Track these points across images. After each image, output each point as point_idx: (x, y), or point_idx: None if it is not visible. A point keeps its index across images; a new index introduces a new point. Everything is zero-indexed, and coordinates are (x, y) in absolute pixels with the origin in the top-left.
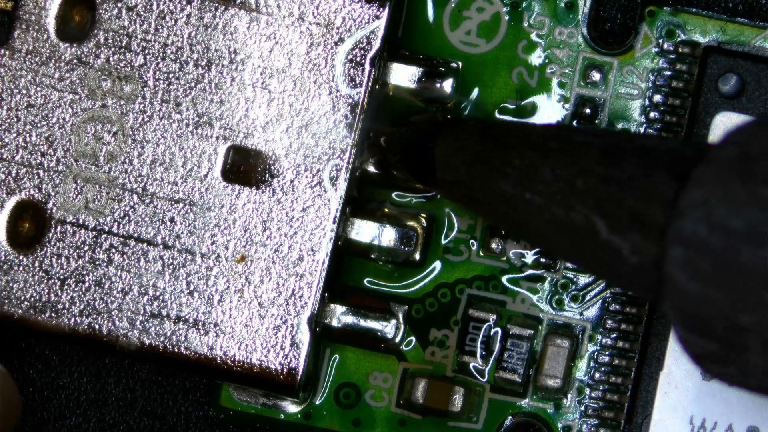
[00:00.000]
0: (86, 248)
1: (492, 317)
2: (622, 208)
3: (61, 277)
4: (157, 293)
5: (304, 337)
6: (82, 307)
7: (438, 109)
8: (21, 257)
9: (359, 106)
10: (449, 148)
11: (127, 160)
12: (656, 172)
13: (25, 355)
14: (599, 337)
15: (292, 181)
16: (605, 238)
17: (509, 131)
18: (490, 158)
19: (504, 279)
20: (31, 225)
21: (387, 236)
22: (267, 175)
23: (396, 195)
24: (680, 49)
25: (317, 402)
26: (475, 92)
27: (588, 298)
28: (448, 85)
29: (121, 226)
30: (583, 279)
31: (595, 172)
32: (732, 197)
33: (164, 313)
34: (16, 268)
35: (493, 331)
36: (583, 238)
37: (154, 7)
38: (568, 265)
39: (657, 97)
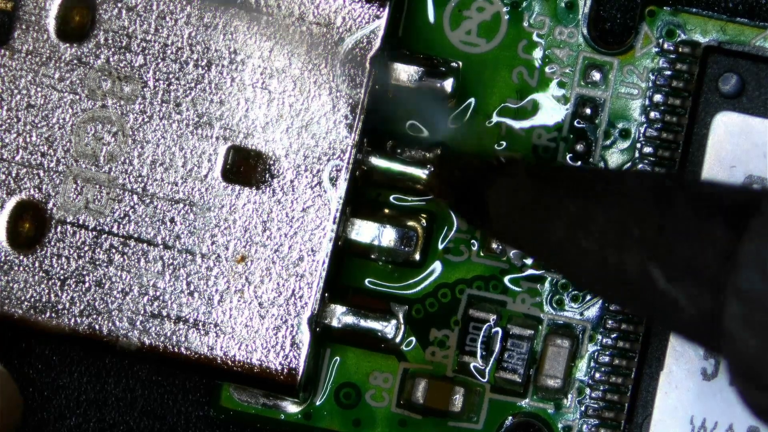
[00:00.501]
0: (86, 248)
1: (492, 317)
2: (678, 257)
3: (62, 277)
4: (158, 293)
5: (305, 337)
6: (82, 307)
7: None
8: (21, 257)
9: (359, 106)
10: (501, 192)
11: (127, 161)
12: (711, 220)
13: (25, 355)
14: (599, 337)
15: (292, 182)
16: (662, 287)
17: (560, 175)
18: (542, 204)
19: (504, 279)
20: (32, 225)
21: (387, 236)
22: (267, 175)
23: (396, 196)
24: (680, 49)
25: (317, 402)
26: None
27: (588, 298)
28: (448, 85)
29: (122, 226)
30: None
31: (650, 219)
32: None
33: (164, 314)
34: (16, 268)
35: (493, 331)
36: (639, 286)
37: (154, 7)
38: None
39: (657, 97)
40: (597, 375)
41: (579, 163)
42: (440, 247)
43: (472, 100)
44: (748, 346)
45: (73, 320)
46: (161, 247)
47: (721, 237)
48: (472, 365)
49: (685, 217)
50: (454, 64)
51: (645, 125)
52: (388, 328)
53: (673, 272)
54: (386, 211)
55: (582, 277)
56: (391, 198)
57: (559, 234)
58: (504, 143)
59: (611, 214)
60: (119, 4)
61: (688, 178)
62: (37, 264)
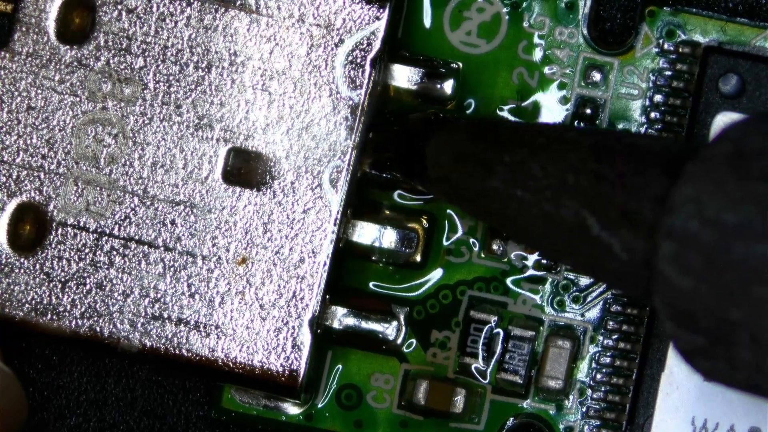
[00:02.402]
0: (87, 250)
1: (493, 319)
2: (613, 204)
3: (63, 279)
4: (159, 295)
5: (306, 338)
6: (83, 309)
7: (432, 109)
8: (22, 260)
9: (360, 108)
10: (440, 146)
11: (127, 163)
12: (648, 169)
13: (26, 355)
14: (600, 338)
15: (292, 183)
16: (596, 234)
17: (499, 128)
18: (479, 155)
19: (506, 280)
20: (32, 227)
21: (388, 238)
22: (267, 177)
23: (397, 196)
24: (680, 49)
25: (319, 404)
26: (473, 102)
27: (589, 299)
28: (448, 86)
29: (122, 228)
30: (585, 280)
31: (586, 168)
32: (725, 193)
33: (165, 316)
34: (17, 270)
35: (494, 332)
36: (574, 234)
37: (154, 9)
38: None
39: (657, 97)
40: (598, 376)
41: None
42: (445, 244)
43: (472, 101)
44: (681, 287)
45: (74, 322)
46: (162, 249)
47: (657, 184)
48: (473, 366)
49: (621, 165)
50: (454, 65)
51: (645, 125)
52: (389, 330)
53: (607, 219)
54: (387, 212)
55: (519, 228)
56: (394, 196)
57: (496, 185)
58: None
59: (548, 164)
60: (119, 6)
61: (627, 132)
62: (38, 266)
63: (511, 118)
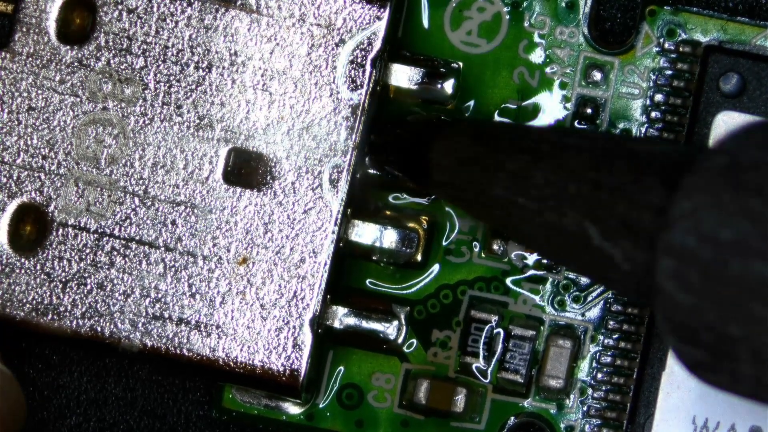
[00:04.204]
0: (88, 251)
1: (494, 318)
2: (613, 214)
3: (63, 279)
4: (159, 295)
5: (307, 338)
6: (84, 309)
7: (435, 111)
8: (23, 260)
9: (360, 108)
10: (443, 149)
11: (128, 163)
12: (646, 178)
13: (26, 355)
14: (601, 337)
15: (293, 183)
16: (597, 244)
17: (501, 134)
18: (482, 161)
19: (506, 280)
20: (33, 228)
21: (388, 238)
22: (268, 177)
23: (397, 197)
24: (681, 49)
25: (320, 403)
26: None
27: (590, 298)
28: (449, 86)
29: (123, 228)
30: (585, 280)
31: (587, 177)
32: (721, 207)
33: (166, 316)
34: (18, 270)
35: (495, 332)
36: (576, 243)
37: (155, 9)
38: None
39: (658, 97)
40: (599, 375)
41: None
42: (444, 244)
43: (472, 101)
44: (681, 303)
45: (75, 322)
46: (163, 249)
47: (656, 195)
48: (474, 366)
49: (621, 175)
50: (454, 65)
51: (646, 125)
52: (390, 329)
53: (608, 229)
54: (387, 212)
55: (522, 235)
56: (394, 196)
57: (498, 192)
58: None
59: (549, 172)
60: (120, 7)
61: (627, 137)
62: (38, 266)
63: (509, 121)
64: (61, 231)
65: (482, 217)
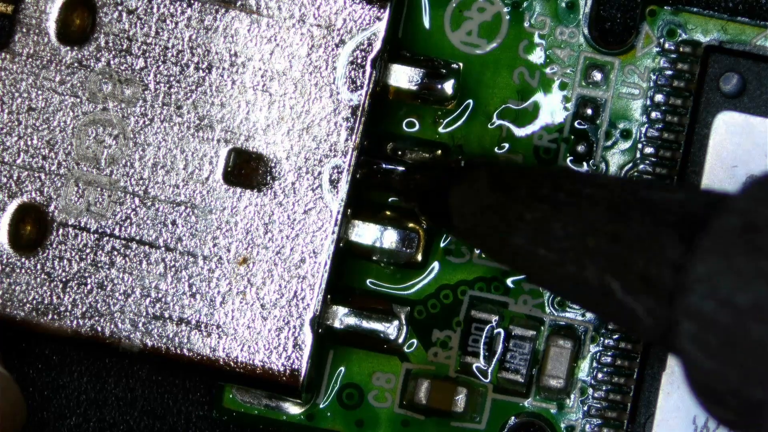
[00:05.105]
0: (88, 251)
1: (494, 318)
2: (633, 269)
3: (64, 279)
4: (160, 295)
5: (307, 338)
6: (84, 309)
7: (453, 149)
8: (23, 260)
9: (360, 108)
10: (462, 196)
11: (128, 163)
12: (663, 232)
13: (26, 355)
14: (601, 338)
15: (293, 184)
16: (620, 298)
17: (518, 180)
18: (501, 210)
19: (506, 280)
20: (33, 228)
21: (388, 238)
22: (268, 177)
23: (394, 199)
24: (681, 49)
25: (320, 403)
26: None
27: None
28: (449, 86)
29: (123, 228)
30: None
31: (605, 230)
32: (737, 271)
33: (167, 315)
34: (18, 270)
35: (495, 332)
36: (599, 295)
37: (155, 10)
38: None
39: (658, 97)
40: (599, 375)
41: (572, 164)
42: (444, 244)
43: (472, 101)
44: (704, 367)
45: (75, 322)
46: (163, 249)
47: (673, 250)
48: (474, 366)
49: (638, 227)
50: (454, 65)
51: (646, 125)
52: (390, 329)
53: (629, 284)
54: (387, 212)
55: (546, 283)
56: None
57: (519, 242)
58: (505, 145)
59: (569, 224)
60: (120, 7)
61: (642, 185)
62: (39, 266)
63: (513, 125)
64: (61, 231)
65: (506, 263)
